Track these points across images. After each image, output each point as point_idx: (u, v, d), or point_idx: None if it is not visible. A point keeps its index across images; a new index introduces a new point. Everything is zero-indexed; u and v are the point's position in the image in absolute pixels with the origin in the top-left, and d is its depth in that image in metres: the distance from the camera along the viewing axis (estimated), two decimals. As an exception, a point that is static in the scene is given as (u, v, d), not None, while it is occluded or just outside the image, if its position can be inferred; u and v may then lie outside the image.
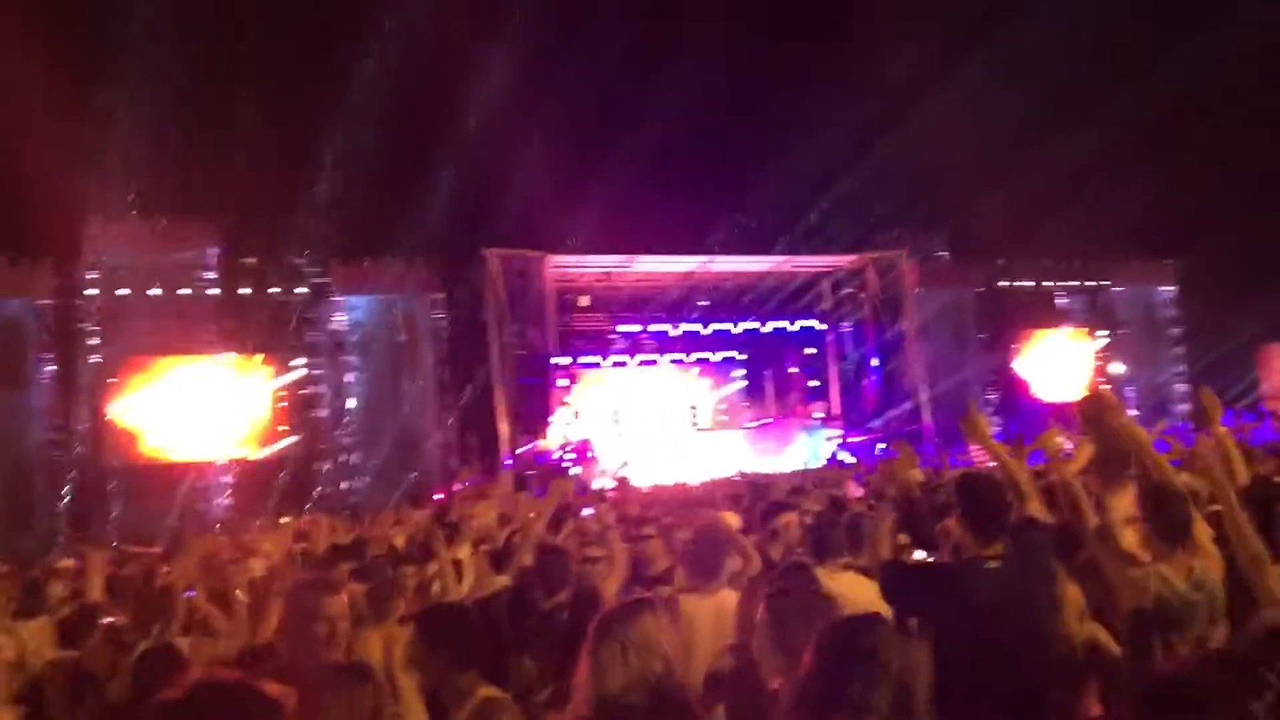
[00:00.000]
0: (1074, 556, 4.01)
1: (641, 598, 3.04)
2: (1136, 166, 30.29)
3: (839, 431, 28.95)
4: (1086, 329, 34.31)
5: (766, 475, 18.08)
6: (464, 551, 8.31)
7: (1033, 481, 4.40)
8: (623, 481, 13.01)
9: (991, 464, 4.77)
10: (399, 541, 10.66)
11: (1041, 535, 3.87)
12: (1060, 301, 34.33)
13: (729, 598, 4.59)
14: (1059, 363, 33.36)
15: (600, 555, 5.43)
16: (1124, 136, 29.23)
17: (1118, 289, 34.65)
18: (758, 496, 11.47)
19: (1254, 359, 33.29)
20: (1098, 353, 34.22)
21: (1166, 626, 3.50)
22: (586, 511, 8.08)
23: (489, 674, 4.06)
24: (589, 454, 24.66)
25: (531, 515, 10.36)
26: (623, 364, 29.35)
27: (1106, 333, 34.38)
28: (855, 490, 7.93)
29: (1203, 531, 3.89)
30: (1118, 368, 34.18)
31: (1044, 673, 3.58)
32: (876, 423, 28.90)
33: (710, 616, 4.63)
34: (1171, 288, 35.08)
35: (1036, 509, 4.14)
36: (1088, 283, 34.35)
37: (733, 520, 8.05)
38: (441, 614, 3.71)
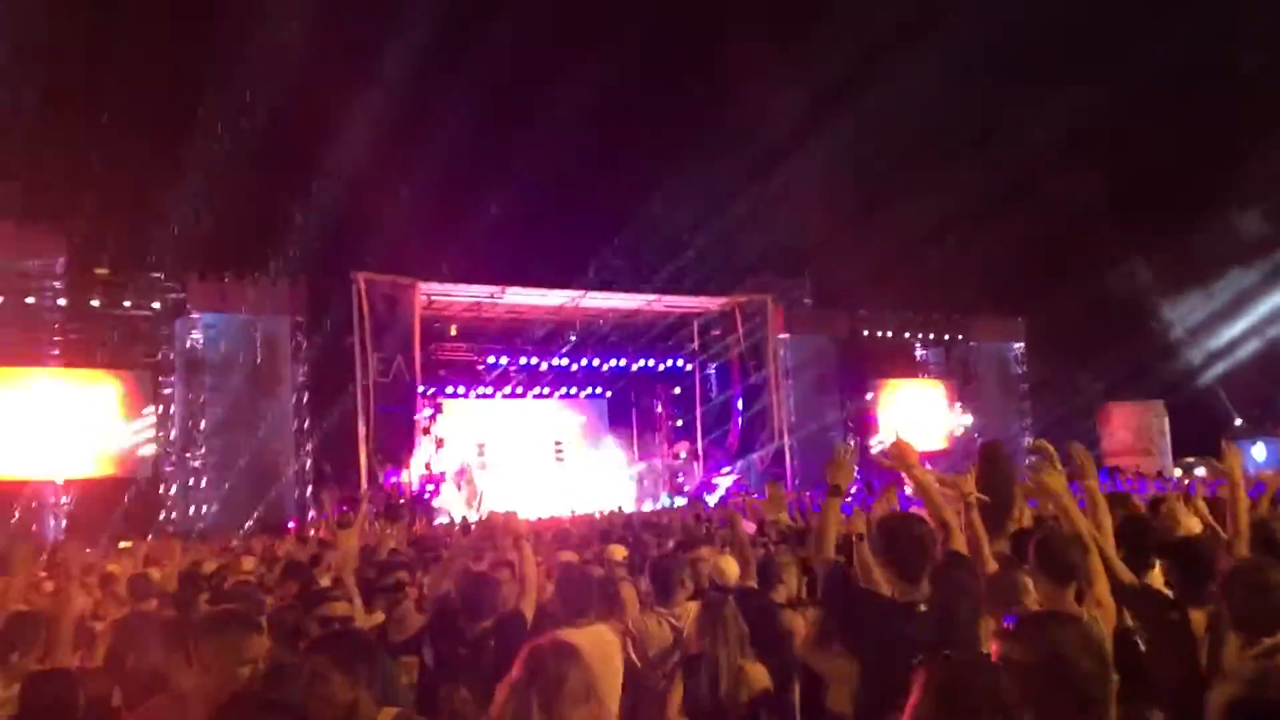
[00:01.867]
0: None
1: (568, 641, 2.86)
2: (993, 225, 31.63)
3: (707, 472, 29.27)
4: (942, 380, 35.51)
5: (643, 513, 18.14)
6: (327, 581, 8.03)
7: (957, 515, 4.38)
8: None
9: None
10: (248, 567, 10.28)
11: (969, 574, 3.86)
12: (918, 353, 35.48)
13: (603, 631, 4.61)
14: (915, 411, 34.39)
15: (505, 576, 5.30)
16: (981, 195, 30.49)
17: (972, 343, 35.97)
18: (640, 532, 11.48)
19: (1096, 416, 34.94)
20: (950, 403, 35.41)
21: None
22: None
23: (418, 705, 3.92)
24: (464, 481, 24.42)
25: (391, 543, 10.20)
26: (489, 396, 29.12)
27: (959, 383, 35.62)
28: (749, 528, 7.97)
29: (1100, 581, 3.93)
30: (966, 419, 35.42)
31: None
32: (739, 463, 29.23)
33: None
34: (1020, 344, 36.60)
35: (963, 545, 4.13)
36: (945, 335, 35.58)
37: (619, 553, 8.05)
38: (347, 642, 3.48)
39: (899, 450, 4.51)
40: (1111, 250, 32.42)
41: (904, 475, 4.59)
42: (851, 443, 32.71)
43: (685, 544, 7.67)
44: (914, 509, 5.16)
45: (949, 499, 4.47)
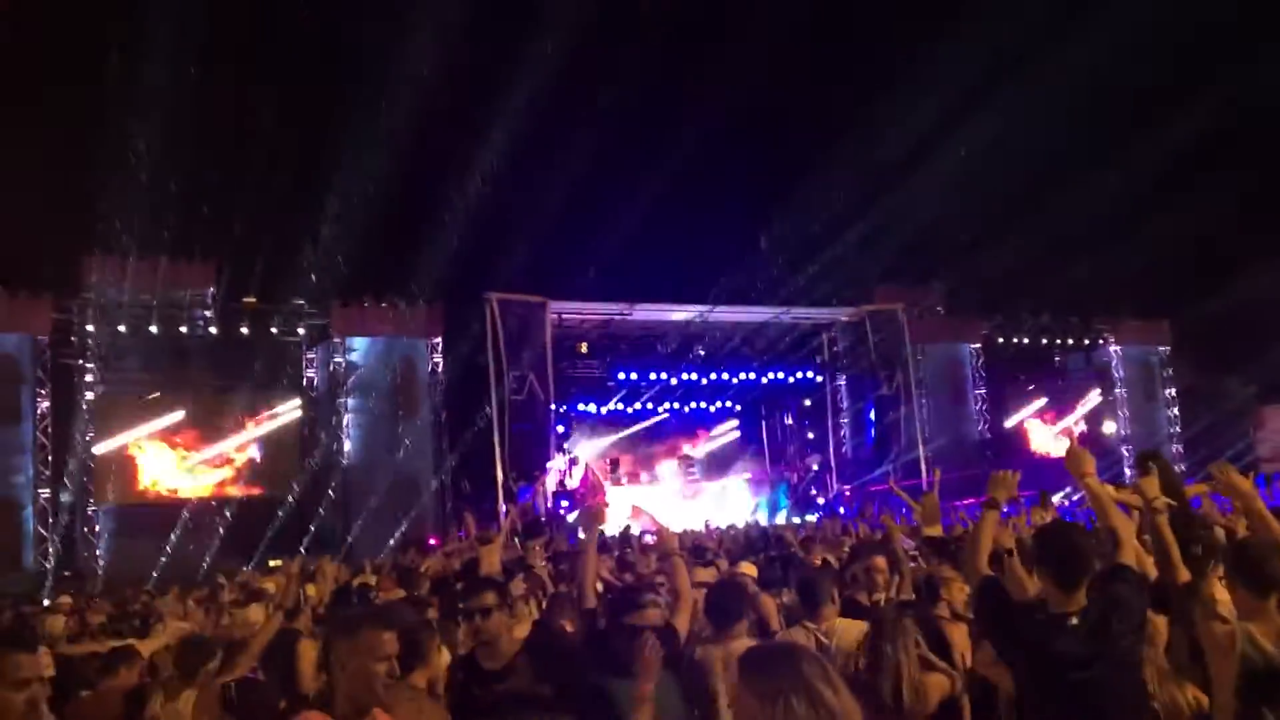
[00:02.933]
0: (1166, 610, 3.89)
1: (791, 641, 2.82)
2: (1135, 226, 30.53)
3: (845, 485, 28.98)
4: (1083, 386, 34.40)
5: (777, 527, 18.01)
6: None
7: (1131, 530, 4.20)
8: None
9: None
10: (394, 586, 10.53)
11: (1130, 588, 3.72)
12: (1057, 359, 34.44)
13: (741, 646, 4.57)
14: (1055, 418, 33.43)
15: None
16: (1122, 195, 29.46)
17: (1114, 347, 34.76)
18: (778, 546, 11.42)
19: (1249, 421, 33.36)
20: (1093, 411, 34.27)
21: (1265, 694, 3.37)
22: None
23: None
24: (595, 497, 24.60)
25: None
26: (619, 412, 29.30)
27: (1101, 391, 34.45)
28: (907, 543, 7.92)
29: None
30: (1110, 427, 34.23)
31: None
32: (874, 475, 28.79)
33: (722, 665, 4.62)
34: (1166, 347, 35.20)
35: (1131, 558, 3.94)
36: (1085, 340, 34.45)
37: (749, 570, 8.03)
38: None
39: (1075, 457, 4.36)
40: (1260, 248, 30.97)
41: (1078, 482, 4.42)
42: (988, 452, 32.09)
43: (855, 554, 7.55)
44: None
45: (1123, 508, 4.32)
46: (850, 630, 5.01)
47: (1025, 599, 4.02)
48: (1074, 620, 3.57)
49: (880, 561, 6.77)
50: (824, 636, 5.12)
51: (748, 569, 8.11)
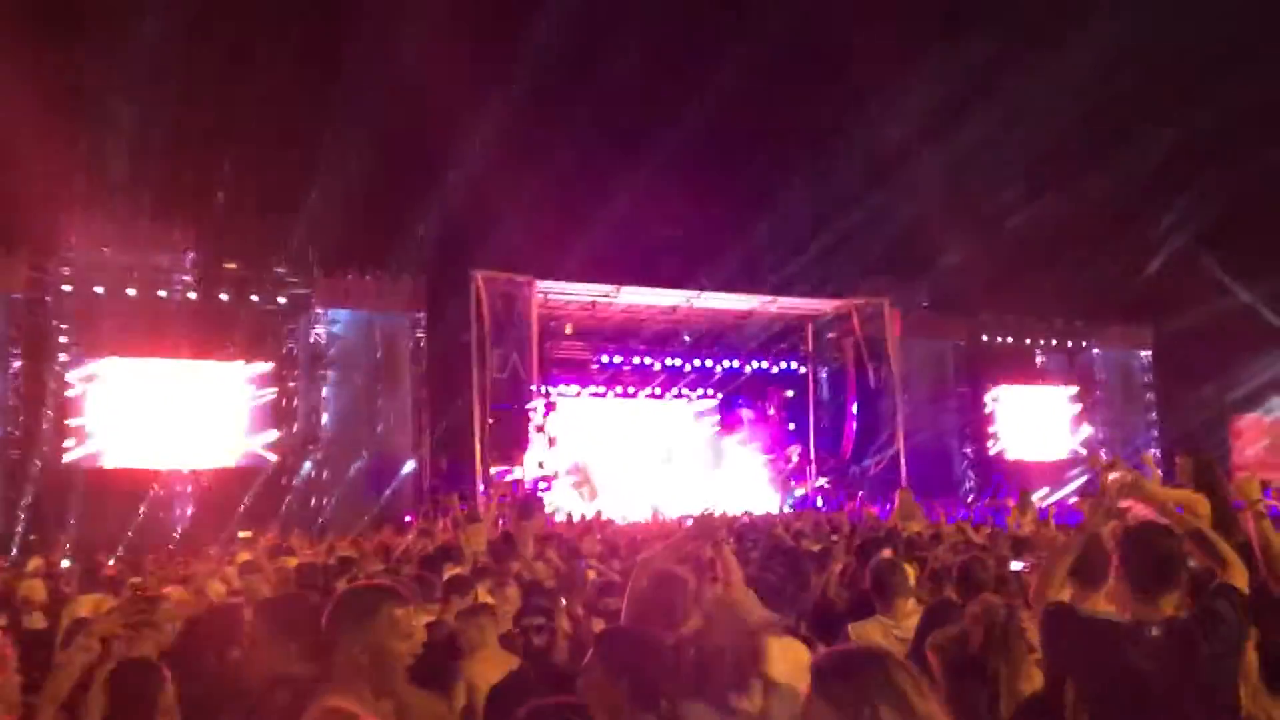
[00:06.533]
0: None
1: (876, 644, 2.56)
2: (1119, 229, 30.59)
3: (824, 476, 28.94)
4: (1063, 387, 34.46)
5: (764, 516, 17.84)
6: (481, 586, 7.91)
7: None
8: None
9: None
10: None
11: (1231, 605, 3.46)
12: (1039, 359, 34.45)
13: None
14: (1035, 420, 33.46)
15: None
16: (1108, 198, 29.50)
17: (1096, 350, 34.83)
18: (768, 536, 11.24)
19: (1227, 429, 33.53)
20: (1073, 413, 34.36)
21: None
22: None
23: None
24: (582, 478, 24.41)
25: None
26: (601, 395, 29.10)
27: (1082, 392, 34.53)
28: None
29: None
30: (1088, 428, 34.32)
31: None
32: (854, 469, 28.74)
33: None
34: (1148, 352, 35.29)
35: (1241, 581, 3.57)
36: (1068, 342, 34.50)
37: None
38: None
39: (1245, 485, 4.04)
40: (1246, 256, 31.06)
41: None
42: (967, 450, 32.12)
43: (867, 545, 7.29)
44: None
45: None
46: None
47: (1096, 613, 3.74)
48: (1154, 631, 3.35)
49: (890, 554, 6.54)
50: (900, 631, 4.75)
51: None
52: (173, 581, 8.89)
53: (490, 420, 24.18)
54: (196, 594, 7.84)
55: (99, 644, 4.25)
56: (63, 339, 23.04)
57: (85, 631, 4.35)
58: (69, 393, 22.92)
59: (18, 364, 23.01)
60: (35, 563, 12.44)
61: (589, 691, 3.08)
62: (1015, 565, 6.35)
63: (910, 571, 5.46)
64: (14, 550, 19.89)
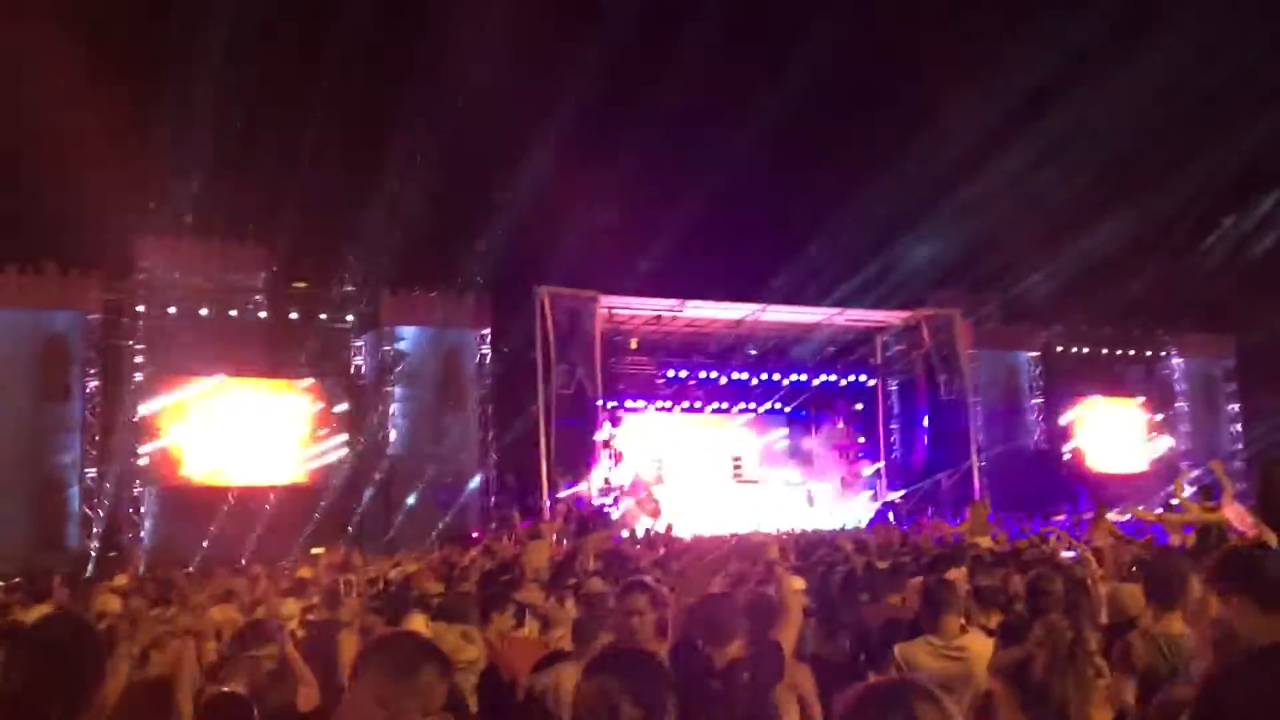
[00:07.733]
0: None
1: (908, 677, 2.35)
2: (1199, 235, 29.74)
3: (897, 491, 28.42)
4: (1142, 399, 33.53)
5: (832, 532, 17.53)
6: (532, 594, 7.80)
7: None
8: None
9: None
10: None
11: None
12: (1116, 369, 33.58)
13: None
14: (1114, 432, 32.60)
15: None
16: (1187, 206, 28.68)
17: (1176, 360, 33.86)
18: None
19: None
20: (1152, 424, 33.43)
21: None
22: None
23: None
24: (645, 495, 24.15)
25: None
26: (667, 410, 28.83)
27: (1161, 402, 33.59)
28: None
29: None
30: (1168, 440, 33.37)
31: None
32: (925, 483, 28.15)
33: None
34: (1230, 361, 34.23)
35: None
36: (1146, 352, 33.58)
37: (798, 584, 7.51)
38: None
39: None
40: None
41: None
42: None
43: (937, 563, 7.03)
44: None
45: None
46: (987, 650, 4.17)
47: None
48: None
49: (959, 573, 6.29)
50: (954, 654, 4.48)
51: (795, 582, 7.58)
52: (218, 599, 8.90)
53: (555, 436, 24.12)
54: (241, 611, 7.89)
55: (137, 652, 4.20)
56: (137, 359, 23.44)
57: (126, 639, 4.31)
58: (143, 411, 23.29)
59: (94, 384, 23.47)
60: (120, 580, 12.56)
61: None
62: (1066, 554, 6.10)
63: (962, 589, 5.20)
64: (90, 566, 20.23)
